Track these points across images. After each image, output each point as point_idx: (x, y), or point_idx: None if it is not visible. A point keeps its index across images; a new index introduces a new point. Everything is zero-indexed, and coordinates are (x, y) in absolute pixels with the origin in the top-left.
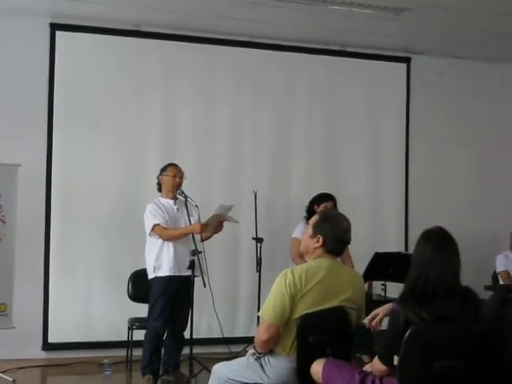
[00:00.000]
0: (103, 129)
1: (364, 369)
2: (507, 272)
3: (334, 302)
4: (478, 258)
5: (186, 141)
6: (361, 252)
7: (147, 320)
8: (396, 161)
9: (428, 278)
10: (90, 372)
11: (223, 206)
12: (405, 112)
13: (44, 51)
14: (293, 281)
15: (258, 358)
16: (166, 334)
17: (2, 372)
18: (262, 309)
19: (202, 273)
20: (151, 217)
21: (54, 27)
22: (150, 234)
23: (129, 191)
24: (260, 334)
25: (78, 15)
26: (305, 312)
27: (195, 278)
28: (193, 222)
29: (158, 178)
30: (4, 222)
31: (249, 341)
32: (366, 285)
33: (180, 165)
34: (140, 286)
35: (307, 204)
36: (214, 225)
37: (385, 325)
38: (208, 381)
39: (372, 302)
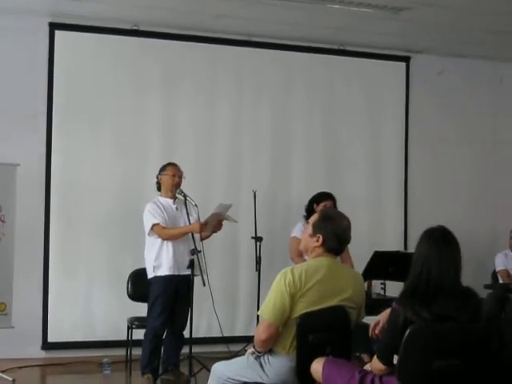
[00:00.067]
0: (103, 128)
1: (364, 367)
2: (507, 271)
3: (334, 301)
4: (478, 256)
5: (186, 140)
6: (360, 251)
7: (147, 319)
8: (395, 160)
9: (429, 276)
10: (89, 371)
11: (222, 204)
12: (404, 111)
13: (43, 51)
14: (292, 280)
15: (257, 357)
16: (165, 333)
17: (2, 371)
18: (261, 308)
19: (201, 272)
20: (150, 216)
21: (54, 26)
22: (149, 234)
23: (128, 191)
24: (259, 333)
25: (77, 15)
26: (304, 311)
27: (195, 278)
28: (192, 222)
29: (157, 178)
30: (3, 221)
31: (248, 340)
32: (366, 284)
33: (179, 164)
34: (139, 285)
35: (306, 203)
36: (214, 224)
37: None
38: (207, 380)
39: (371, 301)
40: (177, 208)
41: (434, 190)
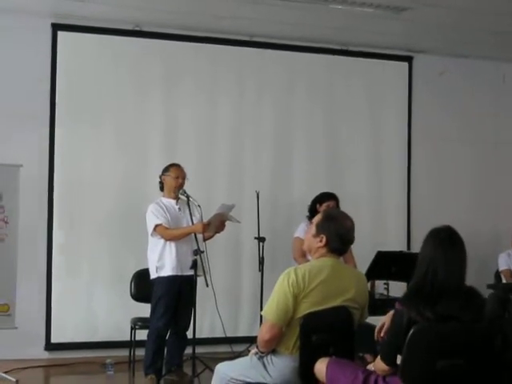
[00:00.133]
0: (105, 129)
1: (367, 367)
2: (510, 270)
3: (337, 302)
4: (481, 256)
5: (188, 140)
6: (363, 251)
7: (150, 320)
8: (398, 160)
9: (435, 277)
10: (92, 372)
11: (225, 205)
12: (407, 111)
13: (46, 51)
14: (296, 280)
15: (260, 358)
16: (168, 334)
17: (5, 372)
18: (264, 308)
19: (204, 272)
20: (153, 217)
21: (56, 27)
22: (152, 234)
23: (131, 191)
24: (263, 333)
25: (79, 15)
26: (308, 311)
27: (197, 278)
28: (195, 222)
29: (160, 178)
30: (6, 222)
31: (251, 340)
32: (369, 284)
33: (182, 164)
34: (143, 285)
35: (309, 203)
36: (216, 224)
37: None
38: (211, 380)
39: (375, 301)
40: (179, 208)
41: (436, 189)
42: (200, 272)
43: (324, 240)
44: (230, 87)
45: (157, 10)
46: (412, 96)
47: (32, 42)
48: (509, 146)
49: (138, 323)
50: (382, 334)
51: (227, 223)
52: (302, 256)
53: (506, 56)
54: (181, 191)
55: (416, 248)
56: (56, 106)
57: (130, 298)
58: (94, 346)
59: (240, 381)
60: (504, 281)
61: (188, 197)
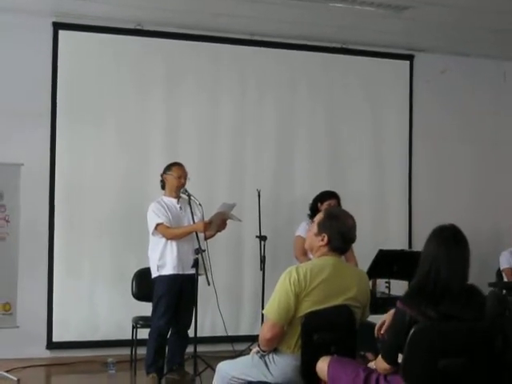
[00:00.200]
0: (106, 128)
1: (369, 365)
2: (511, 269)
3: (339, 301)
4: (482, 254)
5: (189, 139)
6: (364, 249)
7: (151, 319)
8: (399, 158)
9: (438, 276)
10: (94, 371)
11: (226, 204)
12: (408, 109)
13: (47, 50)
14: (297, 279)
15: (262, 356)
16: (170, 333)
17: (7, 371)
18: (266, 307)
19: (205, 271)
20: (154, 216)
21: (57, 26)
22: (153, 233)
23: (132, 190)
24: (264, 332)
25: (80, 14)
26: (309, 310)
27: (199, 277)
28: (196, 221)
29: (161, 176)
30: (8, 221)
31: (253, 339)
32: (370, 282)
33: (183, 162)
34: (144, 284)
35: (311, 202)
36: (218, 223)
37: None
38: (212, 379)
39: (376, 300)
40: (181, 207)
41: (437, 188)
42: (201, 271)
43: (326, 239)
44: (231, 86)
45: (158, 9)
46: (413, 94)
47: (33, 41)
48: (509, 144)
49: (139, 322)
50: (382, 332)
51: (228, 222)
52: (304, 255)
53: (507, 54)
54: (182, 190)
55: (417, 246)
56: (57, 105)
57: (131, 296)
58: (95, 344)
59: (241, 380)
60: (505, 279)
61: (189, 195)
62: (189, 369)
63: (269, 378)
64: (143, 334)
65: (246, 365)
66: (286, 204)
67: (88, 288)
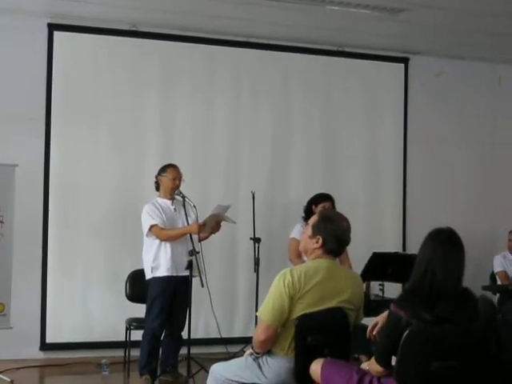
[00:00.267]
0: (101, 129)
1: (361, 366)
2: (505, 272)
3: (333, 303)
4: (476, 258)
5: (184, 141)
6: (359, 252)
7: (145, 320)
8: (394, 161)
9: (434, 277)
10: (87, 372)
11: (220, 206)
12: (403, 112)
13: (42, 51)
14: (292, 281)
15: (255, 358)
16: (163, 334)
17: (0, 372)
18: (260, 309)
19: (199, 273)
20: (148, 217)
21: (52, 27)
22: (147, 235)
23: (127, 191)
24: (258, 334)
25: (75, 15)
26: (303, 312)
27: (193, 278)
28: (190, 222)
29: (156, 178)
30: (2, 222)
31: (246, 341)
32: (364, 285)
33: (178, 164)
34: (138, 286)
35: (305, 204)
36: (212, 225)
37: None
38: (206, 381)
39: (370, 303)
40: (175, 209)
41: (432, 191)
42: (195, 272)
43: (320, 241)
44: (227, 88)
45: (153, 10)
46: (408, 97)
47: (28, 42)
48: (505, 147)
49: (133, 323)
50: (374, 333)
51: (223, 224)
52: (298, 257)
53: (503, 57)
54: (176, 192)
55: (411, 249)
56: (52, 106)
57: (125, 298)
58: (89, 346)
59: (235, 381)
60: (499, 283)
61: (184, 197)
62: (182, 370)
63: (262, 380)
64: (137, 335)
65: (239, 367)
66: (281, 206)
67: (82, 289)
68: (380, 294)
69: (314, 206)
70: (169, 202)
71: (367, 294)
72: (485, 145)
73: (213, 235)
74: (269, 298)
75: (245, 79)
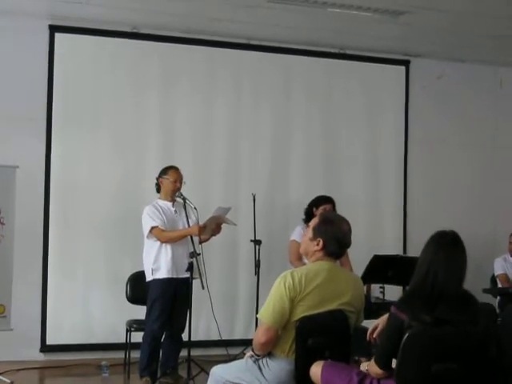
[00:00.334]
0: (102, 130)
1: (361, 367)
2: (506, 275)
3: (333, 305)
4: (477, 260)
5: (185, 143)
6: (359, 255)
7: (145, 322)
8: (395, 163)
9: (436, 279)
10: (88, 374)
11: (221, 208)
12: (404, 115)
13: (43, 53)
14: (292, 284)
15: (256, 361)
16: (164, 336)
17: (0, 374)
18: (260, 311)
19: (200, 275)
20: (149, 219)
21: (53, 29)
22: (147, 237)
23: (127, 193)
24: (258, 336)
25: (77, 17)
26: (304, 315)
27: (193, 280)
28: (191, 224)
29: (157, 180)
30: (2, 223)
31: (247, 343)
32: (365, 287)
33: (179, 166)
34: (138, 288)
35: (306, 206)
36: (212, 227)
37: None
38: (206, 383)
39: (370, 305)
40: (176, 211)
41: (433, 193)
42: (196, 274)
43: (321, 243)
44: (227, 90)
45: (154, 12)
46: (409, 100)
47: (29, 44)
48: (506, 150)
49: (133, 325)
50: (374, 335)
51: (223, 226)
52: (299, 259)
53: (504, 60)
54: (177, 193)
55: (412, 252)
56: (53, 108)
57: (125, 300)
58: (89, 347)
59: (235, 383)
60: (500, 285)
61: (184, 199)
62: (182, 373)
63: (262, 383)
64: (137, 337)
65: (239, 369)
66: (281, 208)
67: (82, 291)
68: (380, 296)
69: (314, 209)
70: (169, 204)
71: (368, 296)
72: (486, 148)
73: (213, 237)
74: (269, 300)
75: (245, 81)
